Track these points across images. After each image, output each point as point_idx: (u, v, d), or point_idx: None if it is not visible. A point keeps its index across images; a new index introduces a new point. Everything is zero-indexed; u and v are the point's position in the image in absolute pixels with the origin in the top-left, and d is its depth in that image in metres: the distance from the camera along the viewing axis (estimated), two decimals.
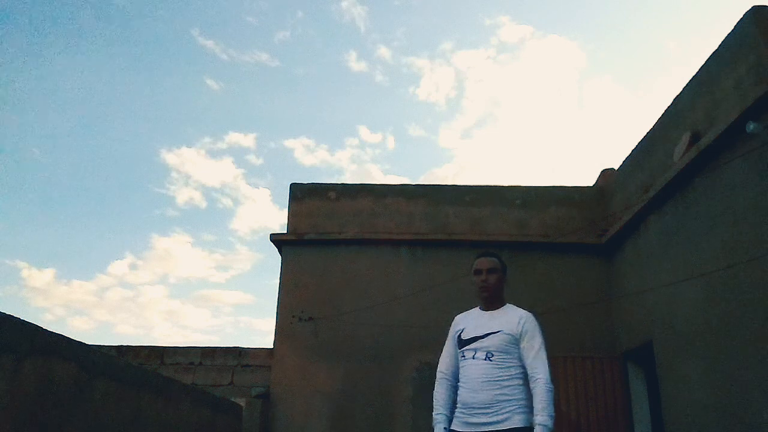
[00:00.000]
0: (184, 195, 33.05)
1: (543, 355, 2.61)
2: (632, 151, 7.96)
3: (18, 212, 31.96)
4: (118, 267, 32.39)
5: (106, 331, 42.45)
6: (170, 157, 31.22)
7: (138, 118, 30.76)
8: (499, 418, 2.49)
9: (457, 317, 2.89)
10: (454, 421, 2.62)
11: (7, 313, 2.50)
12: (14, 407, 2.51)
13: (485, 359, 2.59)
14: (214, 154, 33.01)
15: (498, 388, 2.54)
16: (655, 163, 7.17)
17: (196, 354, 9.39)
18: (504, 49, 34.79)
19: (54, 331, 2.91)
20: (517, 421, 2.50)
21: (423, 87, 35.04)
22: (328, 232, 8.95)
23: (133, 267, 32.64)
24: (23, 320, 2.63)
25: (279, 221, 37.58)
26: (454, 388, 2.73)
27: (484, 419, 2.51)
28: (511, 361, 2.60)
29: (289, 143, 34.00)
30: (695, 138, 6.09)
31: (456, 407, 2.66)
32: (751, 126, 4.98)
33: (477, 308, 2.85)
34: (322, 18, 31.82)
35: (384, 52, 33.62)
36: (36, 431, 2.70)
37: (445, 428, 2.63)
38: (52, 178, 30.90)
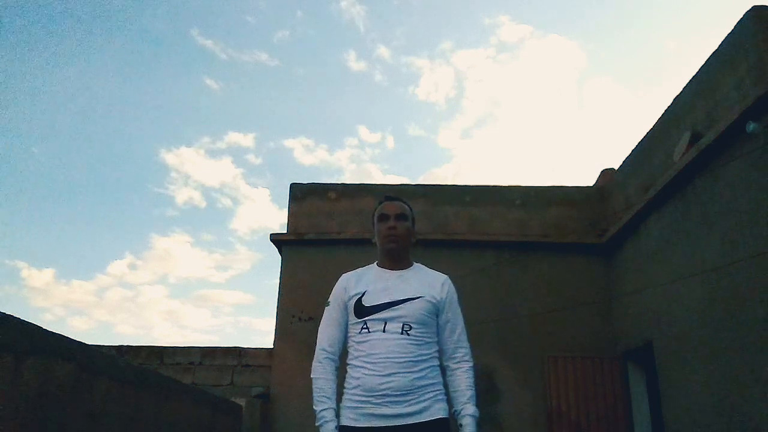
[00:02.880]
0: (183, 195, 33.07)
1: (466, 332, 2.19)
2: (632, 151, 7.96)
3: (18, 212, 31.96)
4: (118, 267, 32.43)
5: (106, 331, 42.50)
6: (170, 157, 31.23)
7: (137, 117, 30.78)
8: (418, 407, 1.98)
9: (347, 276, 2.25)
10: (348, 413, 2.02)
11: (6, 313, 2.50)
12: (14, 407, 2.51)
13: (401, 333, 2.02)
14: (213, 153, 33.04)
15: (416, 371, 2.00)
16: (655, 163, 7.17)
17: (196, 354, 9.39)
18: (504, 49, 34.80)
19: (54, 331, 2.91)
20: (438, 411, 2.02)
21: (422, 87, 35.07)
22: (328, 232, 8.96)
23: (132, 267, 32.68)
24: (23, 320, 2.63)
25: (278, 221, 37.62)
26: (337, 369, 2.14)
27: (400, 409, 1.96)
28: (428, 335, 2.09)
29: (288, 143, 34.02)
30: (695, 138, 6.09)
31: (351, 397, 2.05)
32: (751, 126, 4.98)
33: (374, 266, 2.27)
34: (322, 18, 31.84)
35: (383, 51, 33.63)
36: (36, 431, 2.70)
37: (336, 426, 2.00)
38: (51, 178, 30.92)
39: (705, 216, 5.95)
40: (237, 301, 35.52)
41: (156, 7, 29.78)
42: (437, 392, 2.04)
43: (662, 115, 7.13)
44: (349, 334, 2.15)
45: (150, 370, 4.61)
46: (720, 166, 5.66)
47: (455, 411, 2.08)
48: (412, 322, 2.05)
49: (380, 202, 2.30)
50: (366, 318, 2.08)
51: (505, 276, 8.59)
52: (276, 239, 8.98)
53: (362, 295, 2.13)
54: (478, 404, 2.10)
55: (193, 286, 36.72)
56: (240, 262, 35.65)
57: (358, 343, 2.08)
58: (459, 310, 2.20)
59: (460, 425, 2.05)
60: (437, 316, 2.14)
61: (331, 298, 2.24)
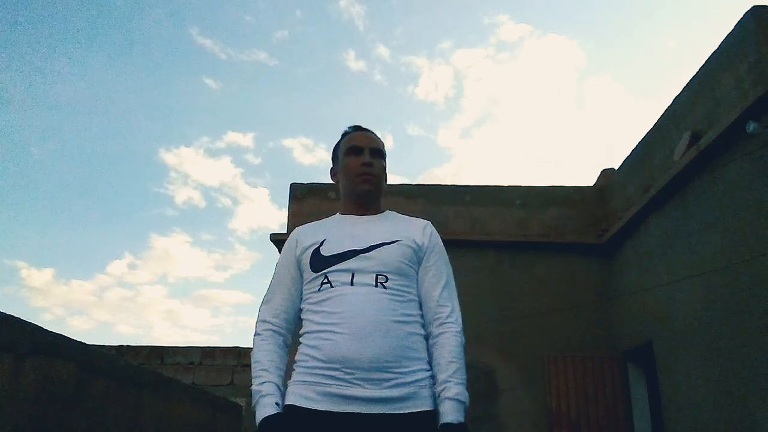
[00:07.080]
0: (182, 194, 33.07)
1: (454, 291, 1.64)
2: (632, 151, 7.96)
3: (17, 212, 31.96)
4: (117, 267, 32.45)
5: (106, 331, 42.51)
6: (169, 157, 31.23)
7: (136, 117, 30.80)
8: (403, 392, 1.42)
9: (300, 228, 1.79)
10: (299, 389, 1.51)
11: (7, 313, 2.50)
12: (14, 407, 2.51)
13: (375, 286, 1.51)
14: (212, 153, 33.05)
15: (401, 336, 1.47)
16: (655, 163, 7.17)
17: (196, 354, 9.40)
18: (503, 48, 34.80)
19: (54, 331, 2.92)
20: (425, 400, 1.46)
21: (422, 86, 35.07)
22: None
23: (132, 267, 32.70)
24: (23, 320, 2.63)
25: (277, 221, 37.64)
26: (287, 347, 1.67)
27: (377, 392, 1.41)
28: (411, 291, 1.57)
29: (287, 143, 34.03)
30: (695, 138, 6.09)
31: (305, 369, 1.54)
32: (751, 126, 4.98)
33: (337, 215, 1.82)
34: (321, 17, 31.86)
35: (383, 51, 33.64)
36: (36, 431, 2.70)
37: (277, 403, 1.51)
38: (51, 178, 30.93)
39: (705, 216, 5.94)
40: (237, 301, 35.55)
41: (155, 7, 29.79)
42: (426, 375, 1.50)
43: (662, 115, 7.13)
44: (304, 298, 1.61)
45: (150, 370, 4.61)
46: (720, 166, 5.66)
47: (436, 393, 1.49)
48: (388, 272, 1.53)
49: (345, 133, 1.79)
50: (326, 270, 1.56)
51: (505, 276, 8.58)
52: (276, 239, 8.97)
53: (320, 245, 1.63)
54: (468, 386, 1.51)
55: (193, 285, 36.77)
56: (239, 262, 35.68)
57: (316, 303, 1.54)
58: (446, 262, 1.67)
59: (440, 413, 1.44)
60: (418, 267, 1.62)
61: (279, 259, 1.72)
